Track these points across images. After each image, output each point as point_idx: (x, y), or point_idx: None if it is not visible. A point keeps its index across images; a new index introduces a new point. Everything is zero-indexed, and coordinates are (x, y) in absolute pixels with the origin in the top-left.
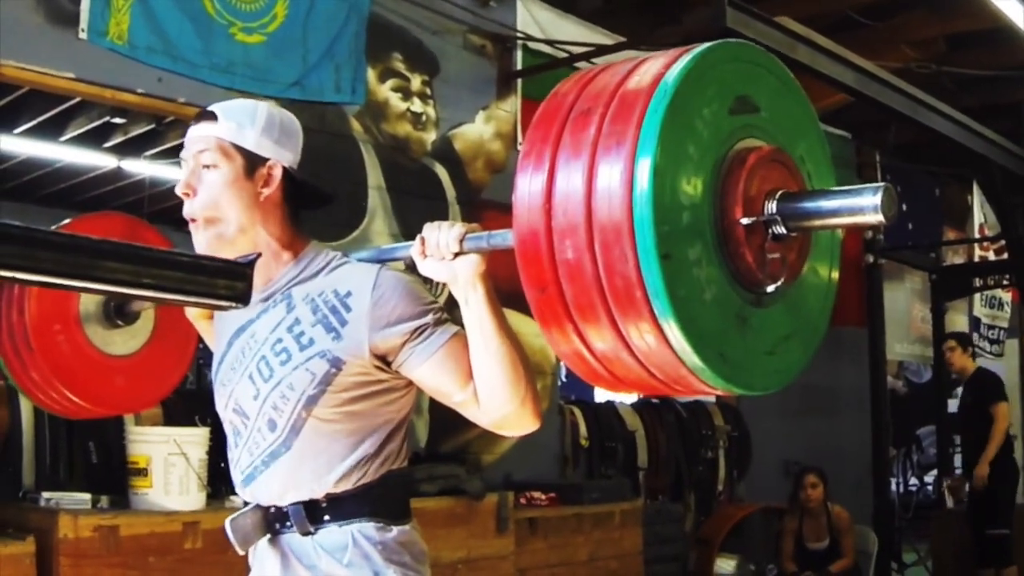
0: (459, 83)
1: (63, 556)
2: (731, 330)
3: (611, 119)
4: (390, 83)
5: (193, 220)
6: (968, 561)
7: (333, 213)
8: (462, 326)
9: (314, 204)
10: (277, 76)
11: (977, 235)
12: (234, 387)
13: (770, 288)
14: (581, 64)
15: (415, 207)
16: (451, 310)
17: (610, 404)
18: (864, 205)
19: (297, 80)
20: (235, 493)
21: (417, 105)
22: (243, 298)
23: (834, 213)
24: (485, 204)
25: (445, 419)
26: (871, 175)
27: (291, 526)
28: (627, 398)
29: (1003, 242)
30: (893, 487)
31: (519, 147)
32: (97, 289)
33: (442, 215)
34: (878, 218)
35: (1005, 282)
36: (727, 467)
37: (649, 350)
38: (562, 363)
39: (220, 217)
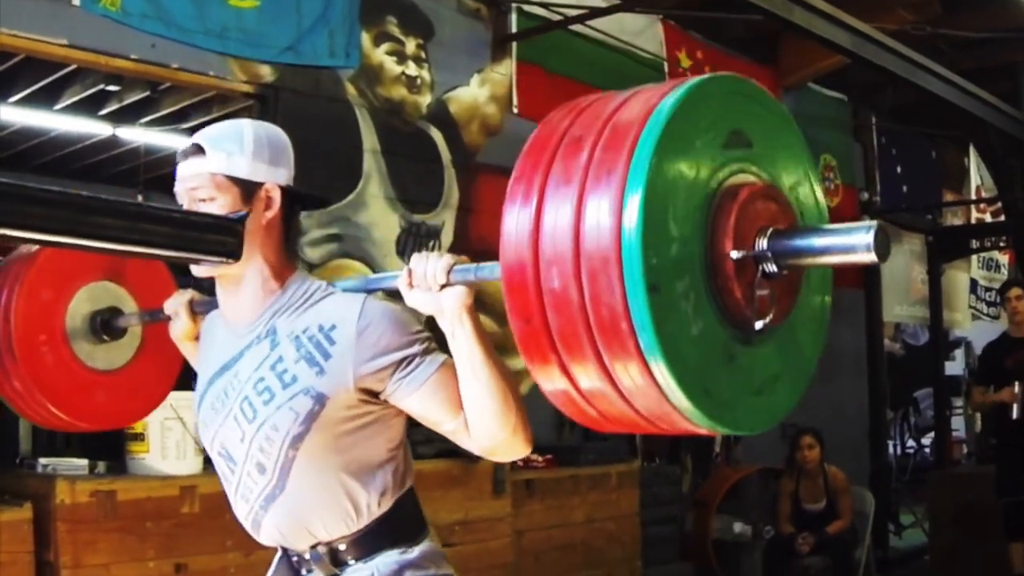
0: (454, 46)
1: (60, 522)
2: (718, 367)
3: (603, 147)
4: (384, 47)
5: None
6: (967, 524)
7: (329, 177)
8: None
9: (313, 206)
10: (271, 41)
11: (974, 197)
12: (218, 428)
13: (758, 325)
14: (576, 27)
15: (410, 170)
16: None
17: None
18: (856, 244)
19: (291, 45)
20: None
21: (412, 68)
22: (234, 254)
23: (825, 251)
24: (480, 167)
25: None
26: (867, 137)
27: (314, 572)
28: None
29: (999, 204)
30: (890, 449)
31: (514, 109)
32: (88, 246)
33: (437, 178)
34: (870, 257)
35: (1002, 244)
36: None
37: (633, 384)
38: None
39: None
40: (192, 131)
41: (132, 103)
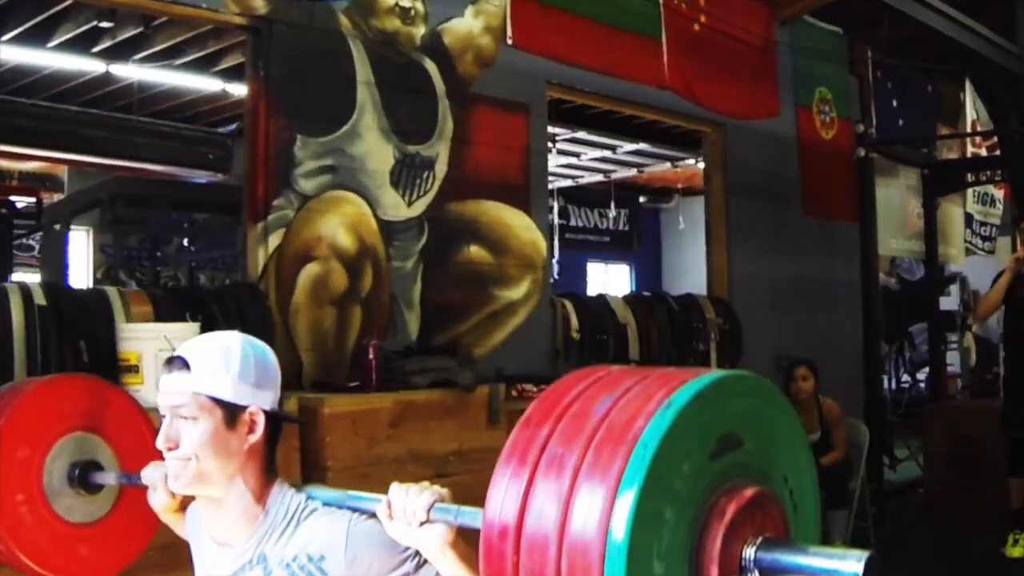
0: None
1: None
2: None
3: (586, 474)
4: None
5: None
6: (961, 457)
7: (322, 109)
8: None
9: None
10: None
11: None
12: None
13: None
14: None
15: (404, 102)
16: None
17: (601, 297)
18: (844, 572)
19: None
20: None
21: (405, 0)
22: (223, 168)
23: (813, 574)
24: (475, 98)
25: (437, 312)
26: (863, 70)
27: None
28: (619, 291)
29: (995, 139)
30: (885, 384)
31: (508, 40)
32: (81, 160)
33: (431, 109)
34: None
35: (997, 178)
36: (719, 360)
37: None
38: (554, 258)
39: (202, 469)
40: (186, 67)
41: (126, 39)
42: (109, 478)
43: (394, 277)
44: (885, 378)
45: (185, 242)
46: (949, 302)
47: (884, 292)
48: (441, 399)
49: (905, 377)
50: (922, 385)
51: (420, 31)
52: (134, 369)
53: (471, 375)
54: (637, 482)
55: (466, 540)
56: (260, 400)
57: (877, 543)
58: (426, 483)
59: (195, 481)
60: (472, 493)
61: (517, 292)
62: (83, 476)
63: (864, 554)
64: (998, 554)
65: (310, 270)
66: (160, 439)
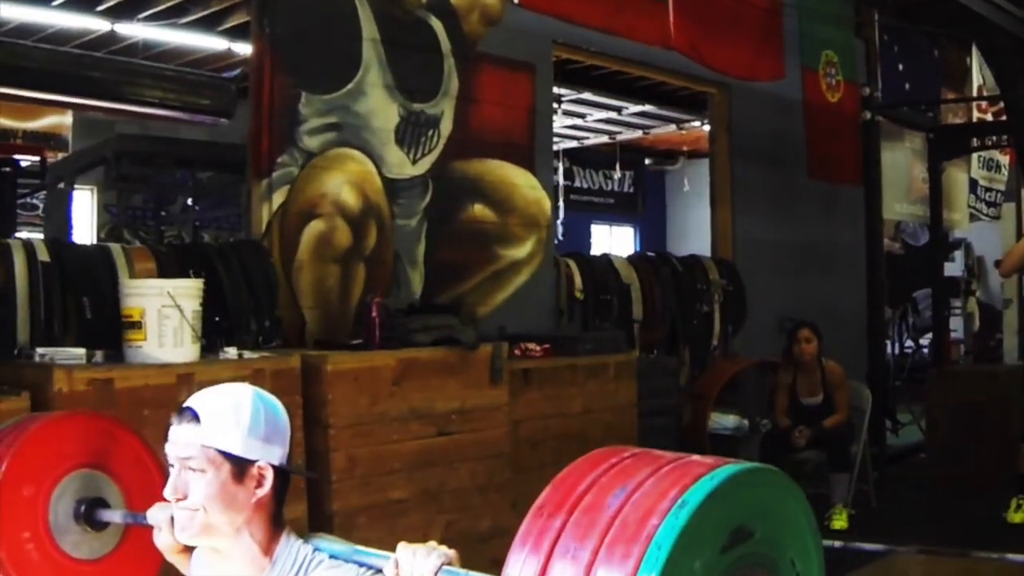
0: None
1: (58, 410)
2: None
3: (599, 571)
4: None
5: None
6: (963, 422)
7: (327, 66)
8: None
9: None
10: None
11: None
12: None
13: None
14: None
15: (410, 59)
16: None
17: (605, 257)
18: None
19: None
20: (229, 345)
21: None
22: (227, 112)
23: None
24: (480, 57)
25: (441, 270)
26: (869, 34)
27: None
28: (623, 251)
29: (1000, 105)
30: (888, 349)
31: (515, 1)
32: (84, 104)
33: (437, 68)
34: None
35: (1003, 143)
36: (722, 322)
37: None
38: (558, 220)
39: (209, 521)
40: (191, 26)
41: None
42: (115, 516)
43: (398, 235)
44: (888, 343)
45: (189, 201)
46: (953, 268)
47: (888, 257)
48: (444, 357)
49: (908, 342)
50: (925, 351)
51: None
52: (137, 325)
53: (474, 333)
54: None
55: None
56: (269, 455)
57: (878, 506)
58: (433, 543)
59: (202, 532)
60: (475, 451)
61: (521, 251)
62: (89, 513)
63: None
64: (999, 518)
65: (314, 227)
66: (168, 489)
